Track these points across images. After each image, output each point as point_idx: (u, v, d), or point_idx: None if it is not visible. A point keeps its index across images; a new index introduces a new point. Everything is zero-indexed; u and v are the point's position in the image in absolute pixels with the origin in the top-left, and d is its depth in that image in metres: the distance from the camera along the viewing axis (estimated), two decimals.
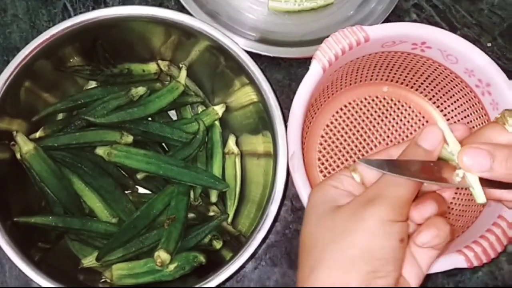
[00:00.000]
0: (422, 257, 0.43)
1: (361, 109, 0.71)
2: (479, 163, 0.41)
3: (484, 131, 0.44)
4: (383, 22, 0.72)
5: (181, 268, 0.60)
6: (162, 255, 0.58)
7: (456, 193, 0.68)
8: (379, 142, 0.70)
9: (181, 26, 0.61)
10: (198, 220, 0.65)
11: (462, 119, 0.68)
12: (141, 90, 0.66)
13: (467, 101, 0.65)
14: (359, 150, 0.69)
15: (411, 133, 0.70)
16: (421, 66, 0.66)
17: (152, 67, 0.69)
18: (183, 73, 0.67)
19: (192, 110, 0.70)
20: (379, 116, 0.71)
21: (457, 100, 0.67)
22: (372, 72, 0.69)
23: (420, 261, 0.43)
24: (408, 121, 0.71)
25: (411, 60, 0.65)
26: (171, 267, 0.60)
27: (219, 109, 0.67)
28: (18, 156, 0.61)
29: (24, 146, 0.60)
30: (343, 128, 0.70)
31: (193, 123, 0.66)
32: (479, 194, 0.42)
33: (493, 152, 0.40)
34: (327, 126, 0.70)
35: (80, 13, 0.61)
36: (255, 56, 0.62)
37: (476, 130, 0.45)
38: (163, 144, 0.68)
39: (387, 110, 0.71)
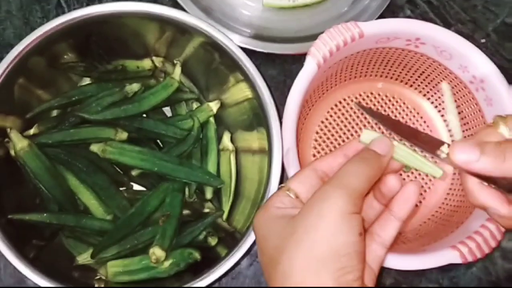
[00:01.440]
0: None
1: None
2: (468, 154, 0.43)
3: (477, 134, 0.47)
4: (378, 18, 0.72)
5: (176, 265, 0.60)
6: (157, 252, 0.58)
7: (450, 189, 0.68)
8: None
9: (176, 23, 0.61)
10: (193, 217, 0.65)
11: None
12: (135, 86, 0.65)
13: (461, 97, 0.65)
14: None
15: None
16: (416, 62, 0.66)
17: (146, 63, 0.69)
18: (178, 69, 0.67)
19: (187, 107, 0.70)
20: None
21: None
22: (367, 68, 0.69)
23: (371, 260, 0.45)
24: (403, 117, 0.71)
25: (406, 56, 0.65)
26: (166, 264, 0.60)
27: (214, 106, 0.67)
28: (12, 153, 0.61)
29: (18, 143, 0.60)
30: (338, 125, 0.70)
31: (188, 119, 0.66)
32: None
33: (481, 144, 0.43)
34: (322, 122, 0.70)
35: (74, 9, 0.61)
36: (250, 53, 0.62)
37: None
38: (158, 140, 0.68)
39: (381, 106, 0.71)
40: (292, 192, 0.45)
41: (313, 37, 0.61)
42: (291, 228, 0.41)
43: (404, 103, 0.71)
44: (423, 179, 0.69)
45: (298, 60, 0.73)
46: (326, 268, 0.39)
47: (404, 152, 0.46)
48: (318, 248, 0.39)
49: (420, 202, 0.69)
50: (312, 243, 0.40)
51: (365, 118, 0.70)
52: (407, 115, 0.71)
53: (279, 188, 0.46)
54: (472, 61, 0.60)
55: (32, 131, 0.63)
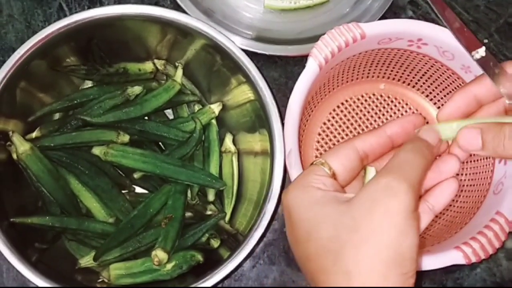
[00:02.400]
0: None
1: (358, 106, 0.71)
2: (472, 146, 0.45)
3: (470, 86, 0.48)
4: (380, 19, 0.72)
5: (179, 267, 0.60)
6: (159, 254, 0.58)
7: None
8: None
9: (177, 25, 0.61)
10: (195, 219, 0.65)
11: None
12: (137, 89, 0.65)
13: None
14: None
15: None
16: (418, 63, 0.66)
17: (148, 66, 0.69)
18: (179, 72, 0.67)
19: (189, 109, 0.70)
20: (376, 113, 0.71)
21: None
22: (369, 70, 0.69)
23: None
24: None
25: (408, 57, 0.65)
26: (169, 266, 0.60)
27: (216, 108, 0.67)
28: (14, 156, 0.61)
29: (20, 146, 0.60)
30: (340, 126, 0.70)
31: (190, 122, 0.66)
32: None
33: (483, 132, 0.44)
34: (324, 123, 0.70)
35: (76, 12, 0.61)
36: (252, 55, 0.62)
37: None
38: (160, 143, 0.68)
39: (384, 107, 0.71)
40: (326, 166, 0.43)
41: (315, 39, 0.61)
42: (351, 220, 0.39)
43: (406, 104, 0.71)
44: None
45: (300, 61, 0.73)
46: (392, 271, 0.37)
47: (447, 128, 0.47)
48: (385, 251, 0.37)
49: None
50: (379, 245, 0.38)
51: (368, 119, 0.70)
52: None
53: (313, 163, 0.43)
54: (474, 61, 0.60)
55: (34, 134, 0.63)
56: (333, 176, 0.43)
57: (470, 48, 0.51)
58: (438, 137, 0.45)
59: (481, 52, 0.50)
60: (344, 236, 0.38)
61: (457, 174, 0.67)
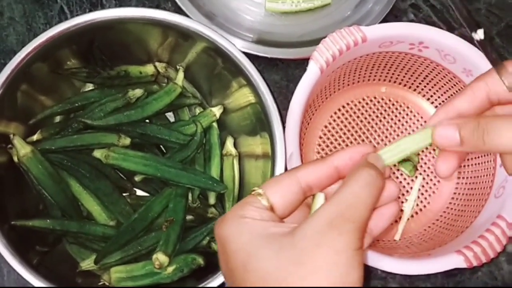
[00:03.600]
0: None
1: (359, 109, 0.71)
2: (449, 141, 0.43)
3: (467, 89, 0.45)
4: (381, 22, 0.72)
5: (180, 271, 0.60)
6: (160, 257, 0.58)
7: (455, 193, 0.68)
8: (378, 143, 0.70)
9: (178, 28, 0.61)
10: (196, 222, 0.65)
11: None
12: (138, 92, 0.65)
13: None
14: None
15: (409, 133, 0.70)
16: (419, 66, 0.66)
17: (149, 69, 0.69)
18: (180, 75, 0.67)
19: (190, 112, 0.70)
20: (377, 116, 0.71)
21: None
22: (370, 73, 0.69)
23: None
24: (407, 121, 0.71)
25: (409, 60, 0.65)
26: (170, 269, 0.60)
27: (217, 111, 0.67)
28: (15, 159, 0.61)
29: (21, 149, 0.60)
30: (341, 129, 0.70)
31: (191, 125, 0.66)
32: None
33: (461, 127, 0.42)
34: (325, 127, 0.70)
35: (77, 15, 0.61)
36: (253, 58, 0.62)
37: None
38: (161, 146, 0.68)
39: (385, 110, 0.71)
40: (267, 201, 0.40)
41: (316, 42, 0.61)
42: (295, 253, 0.36)
43: (407, 107, 0.71)
44: (427, 183, 0.69)
45: (301, 64, 0.73)
46: None
47: (390, 152, 0.43)
48: (332, 285, 0.36)
49: (425, 206, 0.68)
50: (325, 281, 0.36)
51: (369, 122, 0.70)
52: (410, 119, 0.71)
53: (252, 193, 0.40)
54: (476, 64, 0.60)
55: (35, 137, 0.63)
56: (271, 209, 0.40)
57: (470, 29, 0.50)
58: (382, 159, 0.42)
59: (480, 33, 0.50)
60: (289, 268, 0.36)
61: (458, 178, 0.68)
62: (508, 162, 0.45)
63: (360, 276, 0.37)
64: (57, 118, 0.67)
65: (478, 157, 0.65)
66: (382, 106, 0.71)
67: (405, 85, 0.71)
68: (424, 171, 0.69)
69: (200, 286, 0.55)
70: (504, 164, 0.46)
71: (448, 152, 0.45)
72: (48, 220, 0.61)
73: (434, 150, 0.70)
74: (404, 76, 0.69)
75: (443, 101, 0.69)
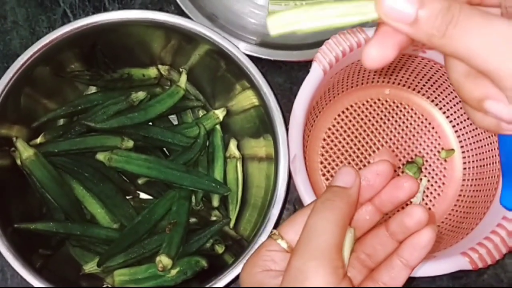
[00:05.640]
0: None
1: (363, 111, 0.70)
2: (400, 12, 0.31)
3: None
4: None
5: (183, 273, 0.60)
6: (163, 260, 0.58)
7: (460, 195, 0.67)
8: (382, 145, 0.69)
9: (181, 30, 0.61)
10: (200, 225, 0.64)
11: (465, 120, 0.67)
12: (141, 95, 0.65)
13: None
14: (362, 153, 0.69)
15: (413, 135, 0.70)
16: (423, 67, 0.66)
17: (152, 71, 0.69)
18: (184, 77, 0.67)
19: (193, 115, 0.70)
20: (381, 118, 0.70)
21: (460, 101, 0.67)
22: (374, 75, 0.69)
23: None
24: (411, 123, 0.70)
25: (413, 62, 0.65)
26: (173, 272, 0.59)
27: (220, 113, 0.67)
28: (18, 162, 0.61)
29: (24, 152, 0.60)
30: (345, 131, 0.70)
31: (194, 127, 0.66)
32: None
33: (425, 2, 0.30)
34: (329, 129, 0.69)
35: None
36: (256, 60, 0.62)
37: None
38: (164, 148, 0.68)
39: (389, 112, 0.71)
40: (283, 240, 0.39)
41: (319, 44, 0.61)
42: None
43: (412, 109, 0.71)
44: (432, 185, 0.69)
45: (305, 67, 0.73)
46: None
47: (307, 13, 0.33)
48: None
49: (430, 208, 0.68)
50: None
51: (373, 124, 0.70)
52: (415, 121, 0.70)
53: (270, 236, 0.40)
54: None
55: (38, 140, 0.63)
56: (290, 249, 0.38)
57: None
58: (354, 174, 0.38)
59: None
60: None
61: (463, 180, 0.67)
62: (454, 72, 0.34)
63: None
64: (60, 121, 0.67)
65: (484, 159, 0.65)
66: (386, 108, 0.71)
67: (409, 87, 0.71)
68: (429, 173, 0.69)
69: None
70: (447, 68, 0.35)
71: (388, 32, 0.32)
72: (51, 223, 0.61)
73: (439, 152, 0.69)
74: (408, 78, 0.69)
75: (447, 103, 0.69)
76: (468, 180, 0.67)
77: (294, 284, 0.35)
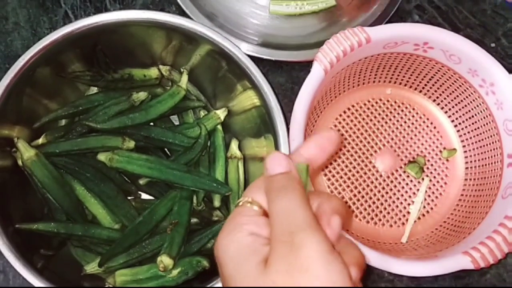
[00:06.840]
0: None
1: (364, 111, 0.70)
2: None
3: None
4: (385, 23, 0.72)
5: (185, 273, 0.60)
6: (165, 260, 0.58)
7: (462, 195, 0.67)
8: (383, 145, 0.69)
9: (182, 31, 0.61)
10: (201, 225, 0.64)
11: (466, 119, 0.67)
12: (142, 95, 0.65)
13: (471, 102, 0.65)
14: (363, 153, 0.69)
15: (415, 135, 0.70)
16: (424, 67, 0.66)
17: (153, 72, 0.69)
18: (185, 77, 0.67)
19: (194, 115, 0.70)
20: (383, 118, 0.70)
21: (461, 100, 0.66)
22: (375, 74, 0.69)
23: None
24: (413, 123, 0.70)
25: (414, 61, 0.65)
26: (175, 272, 0.59)
27: (221, 113, 0.67)
28: (19, 162, 0.61)
29: (26, 153, 0.60)
30: (346, 131, 0.69)
31: (195, 127, 0.66)
32: None
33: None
34: (330, 129, 0.69)
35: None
36: (257, 60, 0.62)
37: None
38: (165, 149, 0.68)
39: (391, 112, 0.71)
40: (259, 207, 0.39)
41: (320, 44, 0.61)
42: (270, 284, 0.35)
43: (413, 109, 0.71)
44: (434, 185, 0.68)
45: (306, 67, 0.73)
46: None
47: None
48: None
49: (432, 208, 0.68)
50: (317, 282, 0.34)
51: (374, 124, 0.70)
52: (416, 121, 0.70)
53: (239, 204, 0.40)
54: (481, 65, 0.60)
55: (39, 141, 0.63)
56: (265, 213, 0.39)
57: None
58: (286, 160, 0.40)
59: None
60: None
61: (465, 179, 0.67)
62: None
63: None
64: (62, 122, 0.67)
65: (486, 158, 0.64)
66: (387, 108, 0.71)
67: (410, 87, 0.70)
68: (431, 173, 0.69)
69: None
70: None
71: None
72: (52, 224, 0.61)
73: (440, 151, 0.69)
74: (409, 77, 0.69)
75: (449, 102, 0.69)
76: (470, 179, 0.67)
77: (289, 255, 0.35)
